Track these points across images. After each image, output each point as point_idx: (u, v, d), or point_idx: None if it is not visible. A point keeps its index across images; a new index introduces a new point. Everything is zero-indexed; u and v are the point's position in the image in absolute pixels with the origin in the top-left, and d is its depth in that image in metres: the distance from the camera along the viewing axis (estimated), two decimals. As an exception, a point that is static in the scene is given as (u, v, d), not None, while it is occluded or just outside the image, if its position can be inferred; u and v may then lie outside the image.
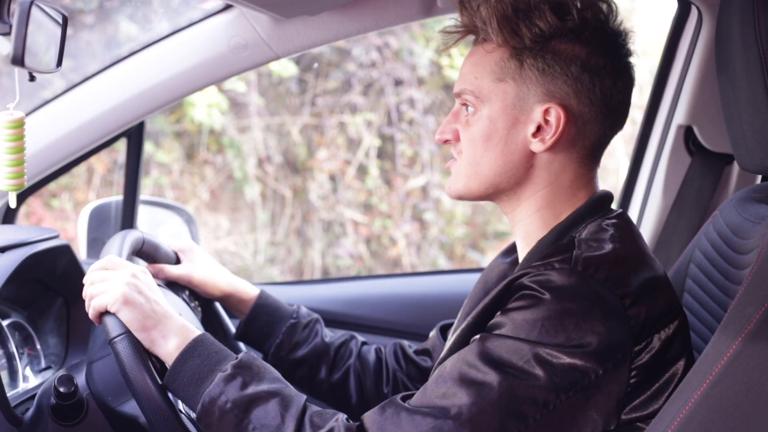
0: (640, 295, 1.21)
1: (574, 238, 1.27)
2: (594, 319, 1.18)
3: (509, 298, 1.23)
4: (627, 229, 1.30)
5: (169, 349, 1.29)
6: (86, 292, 1.34)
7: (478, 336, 1.23)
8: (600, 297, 1.19)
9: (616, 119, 1.33)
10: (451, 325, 1.62)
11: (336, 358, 1.63)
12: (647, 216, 2.14)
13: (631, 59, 1.33)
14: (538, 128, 1.29)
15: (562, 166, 1.32)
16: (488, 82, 1.30)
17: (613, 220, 1.30)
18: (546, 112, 1.28)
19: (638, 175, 2.18)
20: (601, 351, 1.17)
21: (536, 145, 1.30)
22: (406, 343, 1.67)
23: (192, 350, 1.29)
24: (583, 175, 1.33)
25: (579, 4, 1.28)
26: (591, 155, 1.33)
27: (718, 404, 1.12)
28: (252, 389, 1.25)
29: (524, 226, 1.35)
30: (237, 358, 1.29)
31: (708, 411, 1.12)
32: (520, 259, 1.35)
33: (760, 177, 1.90)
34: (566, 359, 1.16)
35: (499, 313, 1.23)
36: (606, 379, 1.18)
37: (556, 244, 1.28)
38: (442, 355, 1.34)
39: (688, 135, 2.06)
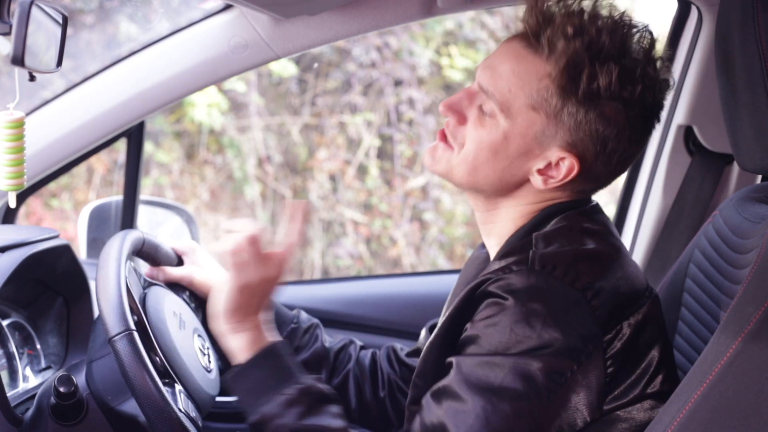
0: (601, 285, 1.21)
1: (532, 236, 1.27)
2: (559, 315, 1.18)
3: (475, 305, 1.24)
4: (593, 221, 1.29)
5: (239, 346, 1.30)
6: (233, 249, 1.33)
7: (453, 360, 1.22)
8: (561, 293, 1.19)
9: (619, 175, 1.33)
10: None
11: (336, 363, 1.63)
12: (647, 216, 2.14)
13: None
14: (547, 165, 1.27)
15: (551, 196, 1.31)
16: (521, 103, 1.25)
17: (582, 213, 1.29)
18: (561, 158, 1.26)
19: (638, 175, 2.18)
20: (571, 346, 1.17)
21: (537, 181, 1.28)
22: (398, 345, 1.67)
23: (262, 359, 1.29)
24: (567, 199, 1.32)
25: (646, 82, 1.24)
26: (583, 196, 1.33)
27: (718, 404, 1.12)
28: (310, 421, 1.24)
29: (496, 228, 1.35)
30: (305, 384, 1.28)
31: (708, 411, 1.12)
32: (491, 256, 1.36)
33: (760, 177, 1.90)
34: (541, 363, 1.17)
35: (468, 324, 1.23)
36: (582, 372, 1.18)
37: (516, 243, 1.28)
38: (418, 366, 1.35)
39: (688, 135, 2.06)
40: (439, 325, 1.32)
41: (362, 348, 1.67)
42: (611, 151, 1.26)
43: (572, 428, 1.19)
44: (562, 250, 1.23)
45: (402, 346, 1.67)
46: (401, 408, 1.61)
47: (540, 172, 1.28)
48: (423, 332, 1.64)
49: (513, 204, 1.32)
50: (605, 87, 1.21)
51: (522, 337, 1.17)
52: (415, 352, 1.64)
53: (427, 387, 1.29)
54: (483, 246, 1.52)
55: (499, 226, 1.34)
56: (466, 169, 1.30)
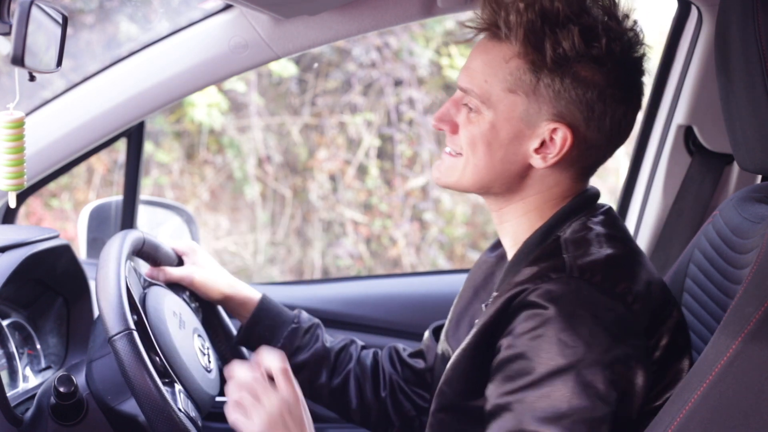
0: (639, 290, 1.22)
1: (558, 237, 1.27)
2: (604, 320, 1.18)
3: (511, 316, 1.22)
4: (613, 226, 1.30)
5: None
6: (232, 401, 1.27)
7: (510, 397, 1.18)
8: (604, 299, 1.19)
9: (619, 142, 1.32)
10: (443, 325, 1.62)
11: (336, 363, 1.63)
12: (647, 216, 2.13)
13: (644, 79, 1.32)
14: (542, 143, 1.28)
15: (556, 181, 1.31)
16: (498, 90, 1.27)
17: (599, 218, 1.30)
18: (553, 131, 1.27)
19: (638, 175, 2.18)
20: (621, 351, 1.17)
21: (537, 161, 1.29)
22: (401, 346, 1.67)
23: None
24: (575, 187, 1.33)
25: (610, 34, 1.25)
26: (588, 173, 1.34)
27: (718, 404, 1.12)
28: None
29: (511, 226, 1.35)
30: None
31: (708, 411, 1.12)
32: (509, 258, 1.36)
33: (760, 177, 1.90)
34: (598, 372, 1.16)
35: (508, 337, 1.21)
36: (634, 376, 1.18)
37: (541, 246, 1.28)
38: (446, 374, 1.33)
39: (688, 135, 2.06)
40: (470, 335, 1.30)
41: (363, 348, 1.67)
42: (600, 113, 1.26)
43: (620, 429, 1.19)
44: (597, 256, 1.23)
45: (404, 347, 1.67)
46: (402, 409, 1.61)
47: (537, 151, 1.28)
48: (427, 334, 1.64)
49: (522, 197, 1.32)
50: (570, 49, 1.23)
51: (571, 345, 1.16)
52: (417, 354, 1.64)
53: (456, 396, 1.29)
54: (491, 249, 1.52)
55: (513, 224, 1.35)
56: (471, 171, 1.31)
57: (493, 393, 1.21)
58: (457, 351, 1.32)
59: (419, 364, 1.62)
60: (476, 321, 1.32)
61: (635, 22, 1.31)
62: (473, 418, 1.28)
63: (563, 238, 1.27)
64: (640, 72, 1.31)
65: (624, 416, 1.19)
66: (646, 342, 1.20)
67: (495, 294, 1.31)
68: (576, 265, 1.21)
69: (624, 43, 1.27)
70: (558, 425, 1.15)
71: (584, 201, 1.33)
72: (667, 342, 1.22)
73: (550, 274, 1.21)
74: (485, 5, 1.28)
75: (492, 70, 1.27)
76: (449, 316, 1.52)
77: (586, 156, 1.30)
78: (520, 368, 1.19)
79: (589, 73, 1.25)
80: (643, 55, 1.31)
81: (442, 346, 1.51)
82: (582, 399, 1.15)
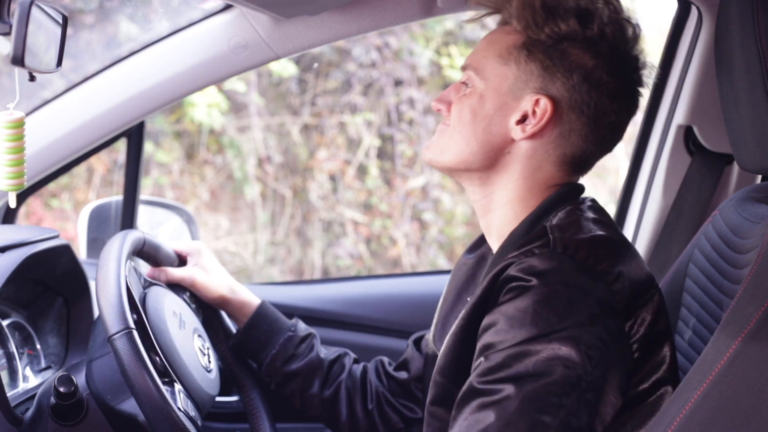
0: (620, 270, 1.22)
1: (545, 226, 1.28)
2: (583, 296, 1.19)
3: (498, 292, 1.24)
4: (600, 213, 1.32)
5: None
6: None
7: (482, 358, 1.21)
8: (585, 275, 1.20)
9: (604, 138, 1.33)
10: (422, 337, 1.63)
11: (329, 374, 1.63)
12: (647, 216, 2.14)
13: (640, 89, 1.33)
14: (524, 118, 1.31)
15: (538, 163, 1.32)
16: (493, 62, 1.32)
17: (587, 205, 1.32)
18: (536, 102, 1.29)
19: (638, 175, 2.18)
20: (596, 327, 1.18)
21: (516, 132, 1.31)
22: (386, 359, 1.67)
23: None
24: (559, 178, 1.34)
25: (604, 18, 1.29)
26: (570, 164, 1.34)
27: (718, 404, 1.12)
28: None
29: (496, 217, 1.36)
30: None
31: (708, 411, 1.12)
32: (494, 250, 1.36)
33: (760, 177, 1.90)
34: (568, 345, 1.16)
35: (491, 312, 1.23)
36: (611, 353, 1.18)
37: (528, 235, 1.29)
38: (439, 362, 1.34)
39: (688, 135, 2.06)
40: (457, 322, 1.31)
41: (356, 361, 1.67)
42: (585, 96, 1.29)
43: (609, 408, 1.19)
44: (582, 235, 1.25)
45: (389, 361, 1.67)
46: (390, 421, 1.62)
47: (518, 123, 1.31)
48: (409, 345, 1.64)
49: (505, 181, 1.34)
50: (566, 28, 1.28)
51: (545, 316, 1.17)
52: (401, 365, 1.64)
53: (450, 383, 1.29)
54: (469, 251, 1.52)
55: (498, 214, 1.35)
56: (455, 141, 1.34)
57: (473, 365, 1.23)
58: (448, 336, 1.32)
59: (403, 375, 1.63)
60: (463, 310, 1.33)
61: (636, 20, 1.33)
62: None
63: (550, 225, 1.28)
64: (636, 69, 1.32)
65: (608, 398, 1.18)
66: (623, 323, 1.21)
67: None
68: (560, 242, 1.23)
69: (618, 29, 1.30)
70: (518, 384, 1.16)
71: (570, 191, 1.34)
72: (647, 325, 1.22)
73: (534, 250, 1.23)
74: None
75: (491, 45, 1.34)
76: (434, 320, 1.53)
77: (567, 140, 1.31)
78: (490, 338, 1.20)
79: (578, 52, 1.29)
80: (641, 55, 1.33)
81: (429, 348, 1.52)
82: (548, 366, 1.16)
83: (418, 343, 1.63)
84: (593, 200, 1.35)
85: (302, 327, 1.66)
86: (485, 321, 1.24)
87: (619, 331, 1.20)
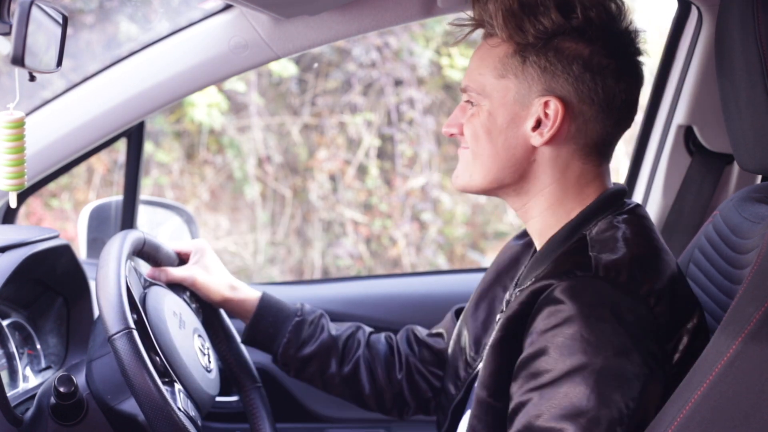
0: (662, 291, 1.22)
1: (585, 235, 1.28)
2: (626, 320, 1.18)
3: (535, 312, 1.23)
4: (639, 225, 1.30)
5: None
6: None
7: (531, 394, 1.19)
8: (627, 299, 1.20)
9: (621, 118, 1.32)
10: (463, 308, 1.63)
11: (344, 351, 1.63)
12: (647, 216, 2.13)
13: (640, 58, 1.33)
14: (538, 123, 1.30)
15: (565, 162, 1.32)
16: (491, 78, 1.31)
17: (624, 216, 1.30)
18: (545, 105, 1.29)
19: (638, 175, 2.18)
20: (640, 351, 1.17)
21: (536, 139, 1.30)
22: (418, 327, 1.68)
23: None
24: (590, 171, 1.33)
25: (585, 3, 1.28)
26: (596, 152, 1.33)
27: (718, 404, 1.12)
28: None
29: (536, 222, 1.36)
30: None
31: (708, 411, 1.12)
32: (538, 248, 1.37)
33: (760, 177, 1.89)
34: (614, 371, 1.16)
35: (531, 335, 1.22)
36: (652, 378, 1.18)
37: (567, 244, 1.29)
38: (480, 375, 1.32)
39: (688, 135, 2.06)
40: (495, 330, 1.31)
41: (372, 333, 1.67)
42: (590, 84, 1.28)
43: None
44: (622, 256, 1.23)
45: (422, 329, 1.67)
46: (419, 390, 1.62)
47: (534, 129, 1.30)
48: (449, 315, 1.65)
49: (539, 187, 1.33)
50: (550, 24, 1.27)
51: (594, 344, 1.16)
52: (436, 334, 1.64)
53: (490, 396, 1.28)
54: (518, 237, 1.54)
55: (538, 220, 1.35)
56: (479, 164, 1.34)
57: (517, 392, 1.22)
58: (487, 348, 1.33)
59: (439, 343, 1.63)
60: (498, 317, 1.32)
61: None
62: (503, 422, 1.27)
63: (589, 236, 1.27)
64: (632, 42, 1.32)
65: (641, 418, 1.18)
66: (665, 346, 1.20)
67: (518, 289, 1.32)
68: (601, 264, 1.22)
69: (602, 10, 1.29)
70: (575, 423, 1.15)
71: (610, 198, 1.33)
72: (686, 344, 1.22)
73: (576, 272, 1.22)
74: (474, 4, 1.34)
75: (484, 62, 1.33)
76: (471, 296, 1.54)
77: (586, 131, 1.31)
78: (540, 365, 1.19)
79: (571, 44, 1.28)
80: (631, 25, 1.32)
81: (459, 326, 1.54)
82: (600, 397, 1.15)
83: (458, 313, 1.63)
84: (634, 208, 1.33)
85: (309, 309, 1.65)
86: (527, 344, 1.22)
87: (660, 353, 1.20)
